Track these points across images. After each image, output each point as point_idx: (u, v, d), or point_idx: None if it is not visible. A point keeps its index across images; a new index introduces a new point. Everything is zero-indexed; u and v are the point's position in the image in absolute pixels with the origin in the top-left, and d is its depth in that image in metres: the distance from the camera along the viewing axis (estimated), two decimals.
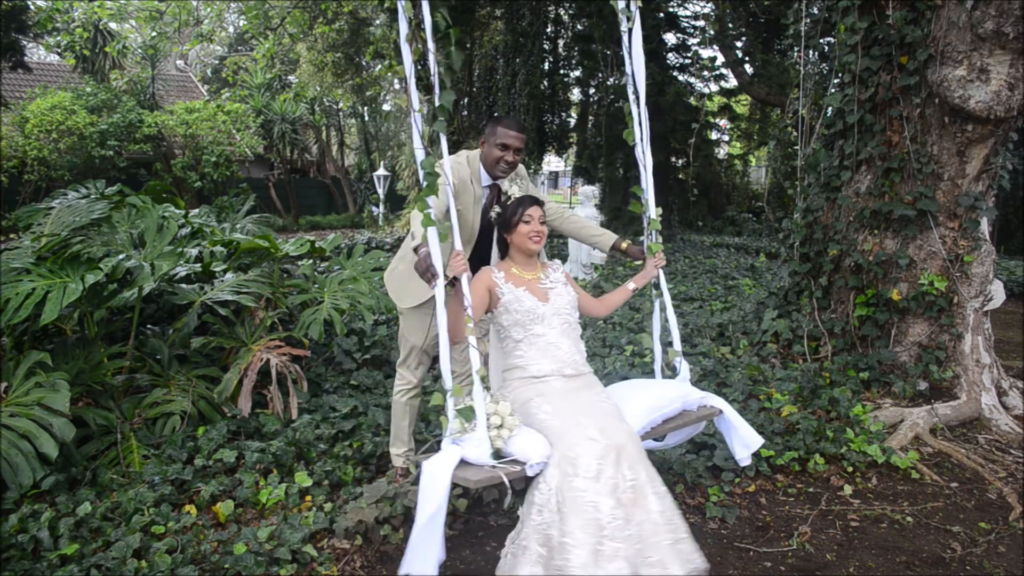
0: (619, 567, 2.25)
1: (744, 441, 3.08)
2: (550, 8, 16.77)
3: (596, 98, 17.17)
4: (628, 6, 3.10)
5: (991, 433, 4.49)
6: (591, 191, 10.77)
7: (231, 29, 24.33)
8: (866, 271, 4.98)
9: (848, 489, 3.67)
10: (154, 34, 13.27)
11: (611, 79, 13.29)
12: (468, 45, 16.22)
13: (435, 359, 2.66)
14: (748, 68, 14.79)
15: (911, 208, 4.75)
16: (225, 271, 4.61)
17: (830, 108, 5.28)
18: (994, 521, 3.40)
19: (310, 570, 2.87)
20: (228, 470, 3.54)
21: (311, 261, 5.96)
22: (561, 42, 17.93)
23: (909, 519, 3.41)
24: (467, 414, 2.47)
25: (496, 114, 16.36)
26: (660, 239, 3.22)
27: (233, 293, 4.37)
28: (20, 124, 16.58)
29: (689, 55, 16.53)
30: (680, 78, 15.81)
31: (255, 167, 23.25)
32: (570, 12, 17.11)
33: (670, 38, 16.05)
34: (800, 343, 5.31)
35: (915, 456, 3.97)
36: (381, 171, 22.23)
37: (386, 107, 27.36)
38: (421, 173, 2.52)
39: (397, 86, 24.32)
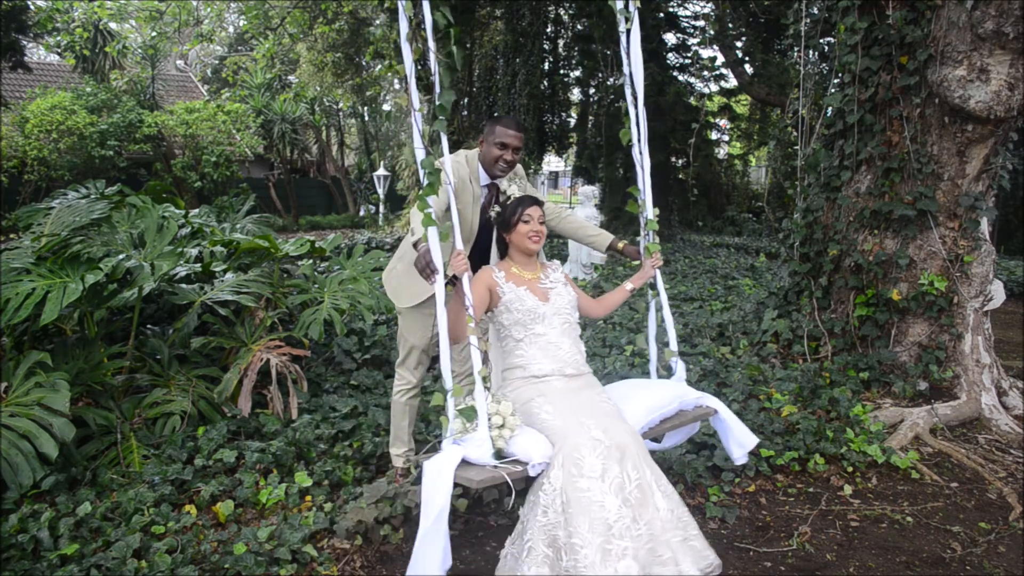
0: (628, 566, 2.25)
1: (739, 440, 3.10)
2: (550, 8, 16.77)
3: (596, 98, 17.17)
4: (627, 6, 3.10)
5: (991, 433, 4.49)
6: (591, 191, 10.77)
7: (231, 29, 24.33)
8: (866, 271, 4.98)
9: (848, 489, 3.67)
10: (154, 34, 13.26)
11: (611, 79, 13.28)
12: (468, 45, 16.22)
13: (435, 359, 2.67)
14: (748, 68, 14.79)
15: (911, 208, 4.75)
16: (225, 271, 4.61)
17: (830, 108, 5.28)
18: (994, 521, 3.40)
19: (310, 570, 2.87)
20: (228, 470, 3.54)
21: (311, 261, 5.96)
22: (561, 42, 17.93)
23: (909, 519, 3.41)
24: (468, 414, 2.47)
25: (496, 114, 16.36)
26: (657, 239, 3.23)
27: (233, 293, 4.37)
28: (20, 124, 16.58)
29: (689, 55, 16.53)
30: (680, 78, 15.81)
31: (255, 167, 23.26)
32: (570, 12, 17.11)
33: (670, 38, 16.06)
34: (800, 343, 5.31)
35: (915, 456, 3.97)
36: (381, 171, 22.24)
37: (386, 107, 27.37)
38: (421, 172, 2.52)
39: (397, 86, 24.33)
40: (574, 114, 19.33)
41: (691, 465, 3.65)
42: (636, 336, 3.89)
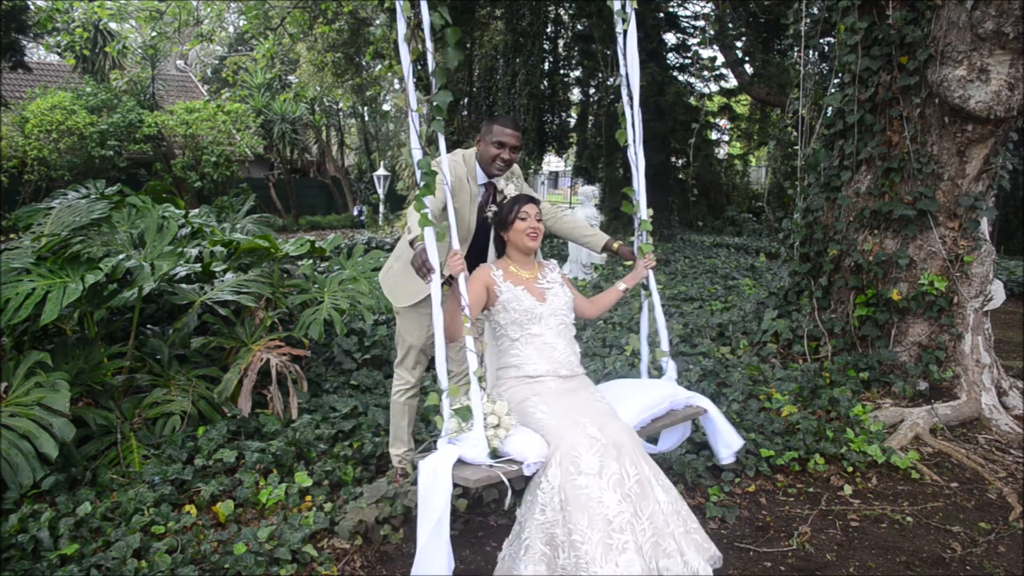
0: (629, 559, 2.26)
1: (726, 441, 3.14)
2: (550, 8, 16.77)
3: (596, 98, 17.18)
4: (624, 8, 3.10)
5: (991, 433, 4.49)
6: (591, 191, 10.77)
7: (231, 29, 24.33)
8: (866, 271, 4.98)
9: (848, 489, 3.67)
10: (154, 34, 13.27)
11: (611, 79, 13.28)
12: (468, 45, 16.21)
13: (434, 359, 2.68)
14: (748, 68, 14.79)
15: (911, 208, 4.75)
16: (225, 271, 4.61)
17: (830, 108, 5.28)
18: (994, 521, 3.40)
19: (310, 570, 2.87)
20: (228, 470, 3.54)
21: (311, 261, 5.96)
22: (561, 42, 17.94)
23: (909, 519, 3.41)
24: (464, 414, 2.48)
25: (495, 114, 16.36)
26: (650, 240, 3.24)
27: (233, 293, 4.37)
28: (20, 124, 16.59)
29: (689, 55, 16.53)
30: (680, 78, 15.81)
31: (255, 167, 23.26)
32: (570, 12, 17.11)
33: (670, 38, 16.06)
34: (800, 343, 5.31)
35: (915, 456, 3.97)
36: (381, 171, 22.25)
37: (386, 107, 27.38)
38: (418, 172, 2.53)
39: (397, 86, 24.32)
40: (574, 114, 19.33)
41: (691, 465, 3.65)
42: (632, 336, 3.91)
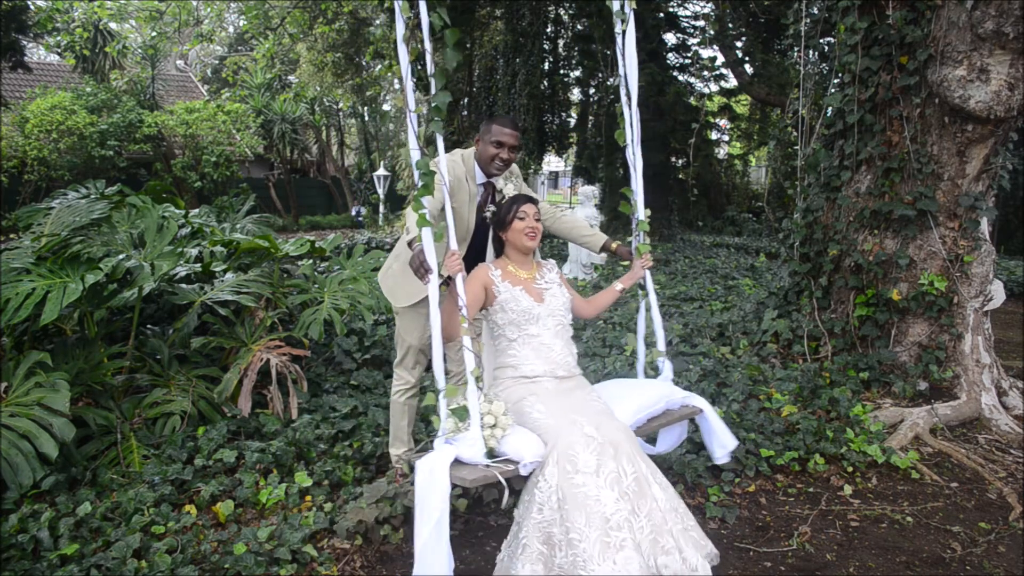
0: (627, 556, 2.26)
1: (721, 441, 3.15)
2: (550, 8, 16.77)
3: (596, 98, 17.18)
4: (623, 8, 3.10)
5: (991, 433, 4.49)
6: (591, 191, 10.77)
7: (231, 29, 24.33)
8: (866, 271, 4.98)
9: (848, 489, 3.67)
10: (154, 34, 13.27)
11: (611, 79, 13.28)
12: (468, 45, 16.21)
13: (430, 360, 2.69)
14: (748, 68, 14.79)
15: (911, 208, 4.75)
16: (225, 271, 4.61)
17: (830, 108, 5.28)
18: (994, 521, 3.40)
19: (310, 570, 2.87)
20: (228, 470, 3.54)
21: (311, 261, 5.96)
22: (561, 42, 17.94)
23: (909, 519, 3.41)
24: (461, 414, 2.49)
25: (495, 114, 16.36)
26: (648, 240, 3.24)
27: (233, 293, 4.37)
28: (20, 124, 16.59)
29: (689, 55, 16.53)
30: (680, 78, 15.81)
31: (255, 167, 23.27)
32: (570, 12, 17.11)
33: (670, 38, 16.06)
34: (800, 343, 5.31)
35: (915, 456, 3.97)
36: (381, 171, 22.25)
37: (386, 107, 27.39)
38: (416, 173, 2.54)
39: (397, 86, 24.31)
40: (574, 114, 19.33)
41: (691, 465, 3.65)
42: (630, 336, 3.91)
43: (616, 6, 3.10)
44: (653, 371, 3.29)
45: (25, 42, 13.55)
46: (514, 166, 3.28)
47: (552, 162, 31.98)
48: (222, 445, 3.67)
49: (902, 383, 4.74)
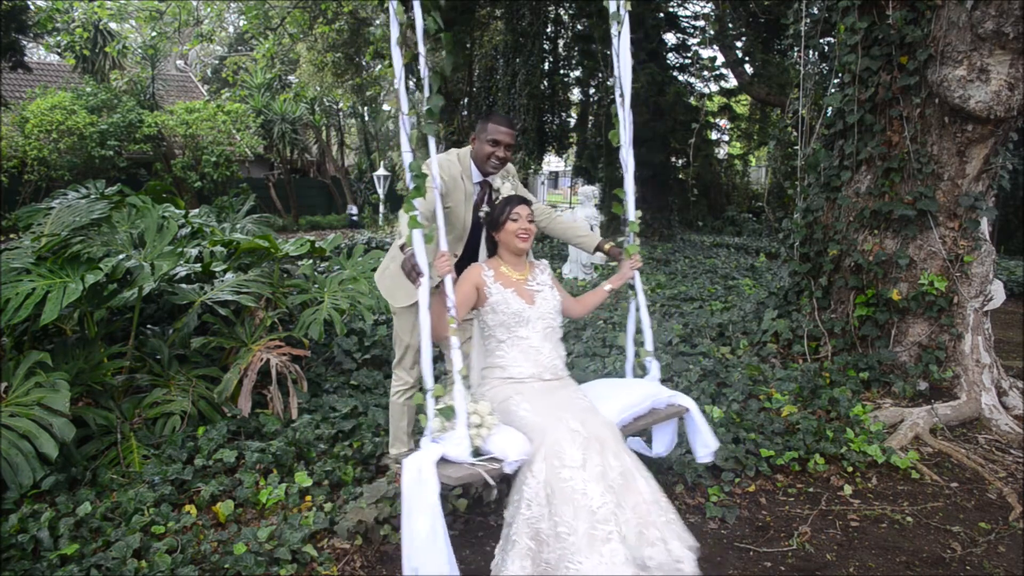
0: (613, 549, 2.29)
1: (704, 441, 3.18)
2: (550, 8, 16.78)
3: (596, 98, 17.18)
4: (618, 10, 3.11)
5: (991, 433, 4.49)
6: (591, 191, 10.78)
7: (231, 29, 24.33)
8: (866, 271, 4.98)
9: (848, 489, 3.67)
10: (154, 34, 13.27)
11: (610, 79, 13.27)
12: (468, 45, 16.21)
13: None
14: (748, 68, 14.79)
15: (911, 208, 4.75)
16: (225, 271, 4.61)
17: (830, 108, 5.28)
18: (994, 521, 3.40)
19: (310, 570, 2.87)
20: (228, 470, 3.54)
21: (311, 261, 5.97)
22: (561, 42, 17.94)
23: (909, 519, 3.41)
24: (447, 413, 2.53)
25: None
26: (637, 241, 3.27)
27: (233, 293, 4.37)
28: (20, 124, 16.59)
29: (689, 55, 16.53)
30: (680, 78, 15.81)
31: (255, 167, 23.26)
32: (570, 12, 17.12)
33: (670, 38, 16.06)
34: (800, 343, 5.31)
35: (915, 456, 3.97)
36: (381, 171, 22.24)
37: (386, 107, 27.38)
38: (408, 175, 2.55)
39: (396, 86, 24.27)
40: (574, 114, 19.34)
41: (691, 465, 3.65)
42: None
43: (612, 7, 3.11)
44: (641, 370, 3.31)
45: (25, 42, 13.55)
46: (509, 165, 3.29)
47: (552, 162, 31.98)
48: (222, 445, 3.67)
49: (902, 383, 4.74)
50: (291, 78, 23.62)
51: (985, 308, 4.88)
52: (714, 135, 19.10)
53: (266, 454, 3.55)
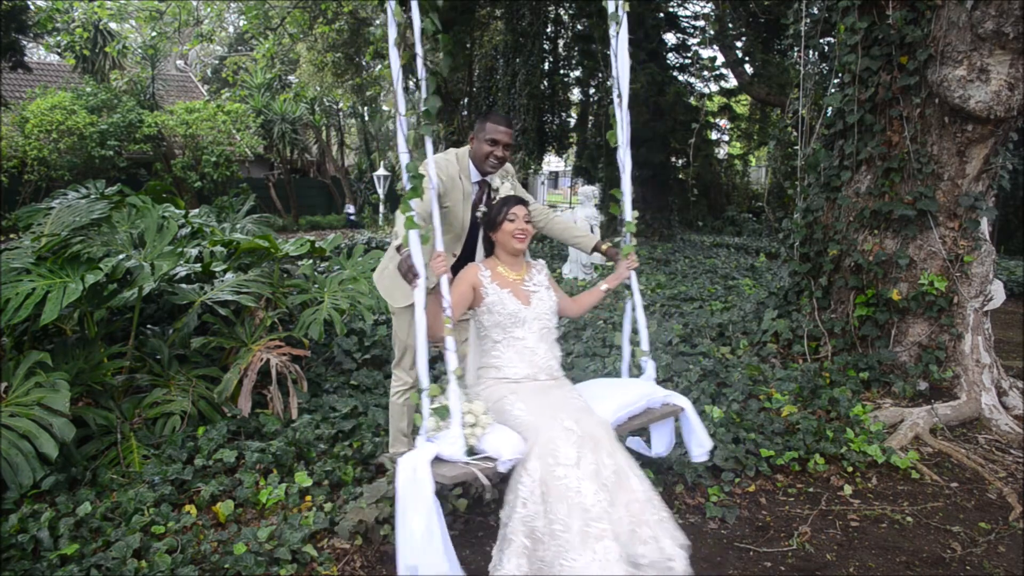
0: (607, 546, 2.30)
1: (699, 440, 3.20)
2: (550, 8, 16.78)
3: (596, 98, 17.19)
4: (617, 11, 3.12)
5: (991, 433, 4.49)
6: (591, 191, 10.77)
7: (231, 29, 24.33)
8: (866, 271, 4.98)
9: (848, 489, 3.67)
10: (154, 34, 13.26)
11: (610, 80, 13.27)
12: (468, 45, 16.21)
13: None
14: (748, 68, 14.79)
15: (911, 208, 4.75)
16: (225, 271, 4.61)
17: (830, 108, 5.28)
18: (994, 521, 3.40)
19: (310, 570, 2.87)
20: (228, 470, 3.54)
21: (311, 261, 5.97)
22: (561, 42, 17.95)
23: (909, 519, 3.41)
24: (442, 412, 2.55)
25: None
26: (634, 241, 3.27)
27: (233, 293, 4.37)
28: (20, 124, 16.58)
29: (689, 55, 16.54)
30: (680, 78, 15.82)
31: (255, 167, 23.26)
32: (570, 12, 17.12)
33: (670, 38, 16.07)
34: (800, 343, 5.30)
35: (915, 456, 3.97)
36: (381, 171, 22.23)
37: (386, 107, 27.38)
38: (405, 176, 2.56)
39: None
40: (574, 114, 19.34)
41: (691, 465, 3.65)
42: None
43: (611, 8, 3.12)
44: (637, 370, 3.33)
45: (25, 42, 13.55)
46: (508, 165, 3.30)
47: (552, 162, 31.98)
48: (222, 445, 3.67)
49: (902, 383, 4.74)
50: (291, 78, 23.62)
51: (985, 308, 4.88)
52: (714, 135, 19.11)
53: (266, 454, 3.55)
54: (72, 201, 4.56)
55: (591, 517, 2.32)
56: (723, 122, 19.31)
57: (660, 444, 3.31)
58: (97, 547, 2.85)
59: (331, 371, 4.94)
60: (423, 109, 2.61)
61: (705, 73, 16.64)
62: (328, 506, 3.23)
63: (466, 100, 17.87)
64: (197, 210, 6.49)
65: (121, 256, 3.89)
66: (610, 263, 3.32)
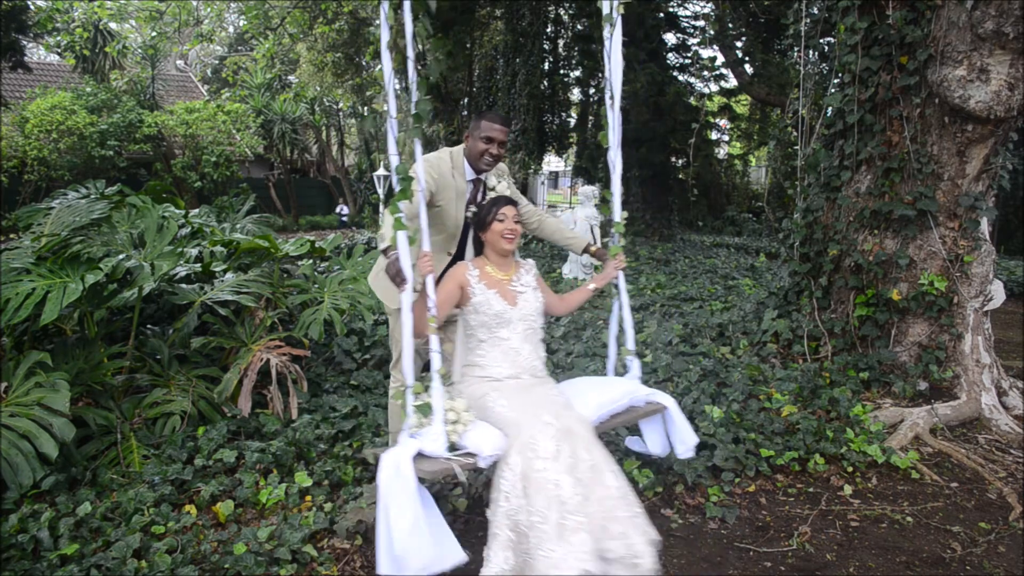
0: (582, 539, 2.34)
1: (682, 438, 3.21)
2: (550, 8, 16.79)
3: (596, 98, 17.20)
4: (611, 12, 3.12)
5: (991, 433, 4.49)
6: (591, 191, 10.77)
7: (231, 29, 24.33)
8: (866, 271, 4.98)
9: (848, 489, 3.67)
10: (154, 34, 13.27)
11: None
12: (468, 45, 16.21)
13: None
14: (748, 68, 14.79)
15: (911, 208, 4.75)
16: (225, 271, 4.61)
17: (830, 108, 5.28)
18: (994, 521, 3.40)
19: (310, 570, 2.87)
20: (228, 470, 3.54)
21: (311, 261, 5.97)
22: (561, 42, 17.96)
23: (909, 519, 3.41)
24: (425, 410, 2.60)
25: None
26: (622, 241, 3.31)
27: (233, 293, 4.37)
28: (20, 124, 16.59)
29: (689, 55, 16.54)
30: (680, 78, 15.81)
31: (255, 167, 23.27)
32: (570, 12, 17.13)
33: (670, 38, 16.07)
34: (800, 343, 5.30)
35: (915, 456, 3.97)
36: (381, 171, 22.23)
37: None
38: (394, 178, 2.58)
39: (397, 86, 24.27)
40: (574, 114, 19.35)
41: (691, 465, 3.65)
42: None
43: (606, 9, 3.12)
44: (624, 369, 3.34)
45: (25, 42, 13.55)
46: (503, 165, 3.31)
47: (552, 162, 31.98)
48: (222, 445, 3.67)
49: (902, 383, 4.74)
50: (291, 78, 23.63)
51: (985, 308, 4.88)
52: (714, 135, 19.12)
53: (266, 454, 3.55)
54: (72, 201, 4.56)
55: (567, 510, 2.37)
56: (723, 122, 19.31)
57: (655, 444, 3.32)
58: (97, 547, 2.85)
59: (331, 371, 4.94)
60: (413, 112, 2.63)
61: (705, 73, 16.64)
62: (328, 506, 3.23)
63: (466, 100, 17.88)
64: (197, 210, 6.49)
65: (121, 256, 3.89)
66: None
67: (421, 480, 2.47)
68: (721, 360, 5.27)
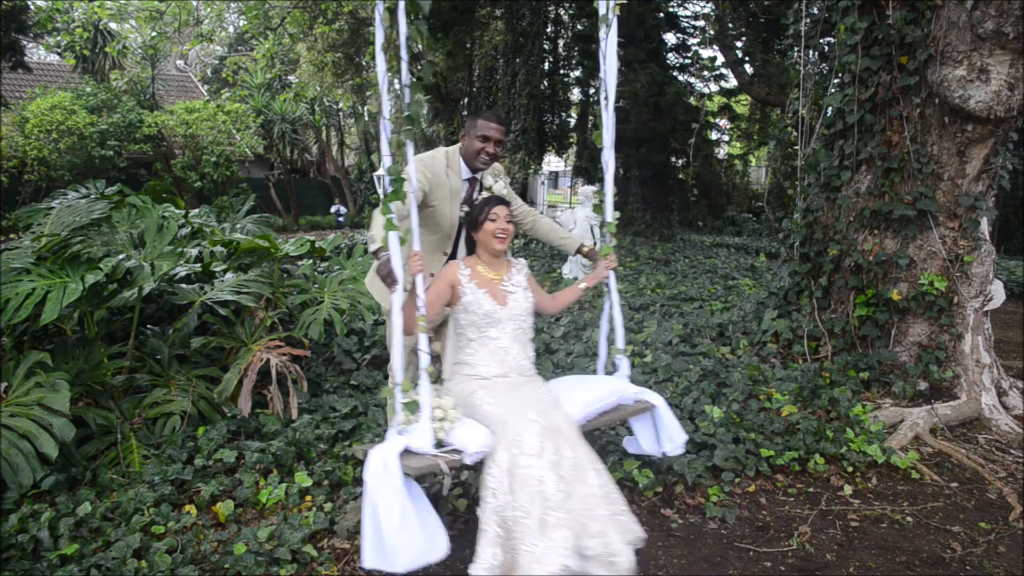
0: (564, 535, 2.36)
1: (670, 435, 3.24)
2: (550, 8, 16.79)
3: (596, 98, 17.11)
4: (607, 12, 3.13)
5: (991, 433, 4.49)
6: (591, 191, 10.77)
7: (231, 29, 24.34)
8: (866, 271, 4.98)
9: (848, 489, 3.67)
10: (154, 34, 13.27)
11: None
12: (468, 45, 16.21)
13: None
14: (748, 68, 14.79)
15: (911, 208, 4.75)
16: (225, 271, 4.61)
17: (830, 108, 5.28)
18: (994, 521, 3.40)
19: (310, 570, 2.87)
20: (228, 470, 3.54)
21: (311, 261, 5.97)
22: (561, 42, 17.96)
23: (909, 519, 3.41)
24: (412, 407, 2.63)
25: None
26: (614, 241, 3.33)
27: (233, 293, 4.37)
28: (20, 124, 16.58)
29: (689, 55, 16.53)
30: (680, 78, 15.81)
31: (255, 167, 23.26)
32: (570, 12, 17.13)
33: (670, 38, 16.06)
34: (800, 343, 5.30)
35: (915, 456, 3.97)
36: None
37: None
38: (387, 179, 2.59)
39: (397, 86, 24.28)
40: (574, 114, 19.34)
41: (691, 465, 3.65)
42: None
43: (602, 10, 3.13)
44: (613, 368, 3.36)
45: (25, 42, 13.55)
46: (499, 165, 3.32)
47: (552, 162, 31.99)
48: (222, 445, 3.67)
49: (902, 383, 4.74)
50: (291, 78, 23.63)
51: (985, 308, 4.88)
52: (714, 135, 19.10)
53: (266, 454, 3.55)
54: (72, 201, 4.56)
55: (550, 506, 2.39)
56: (723, 122, 19.31)
57: (647, 443, 3.33)
58: (97, 547, 2.85)
59: (331, 371, 4.94)
60: (406, 114, 2.64)
61: (705, 73, 16.63)
62: (328, 506, 3.23)
63: (466, 100, 17.89)
64: (197, 210, 6.49)
65: (121, 256, 3.89)
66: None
67: (407, 476, 2.48)
68: (721, 360, 5.27)
